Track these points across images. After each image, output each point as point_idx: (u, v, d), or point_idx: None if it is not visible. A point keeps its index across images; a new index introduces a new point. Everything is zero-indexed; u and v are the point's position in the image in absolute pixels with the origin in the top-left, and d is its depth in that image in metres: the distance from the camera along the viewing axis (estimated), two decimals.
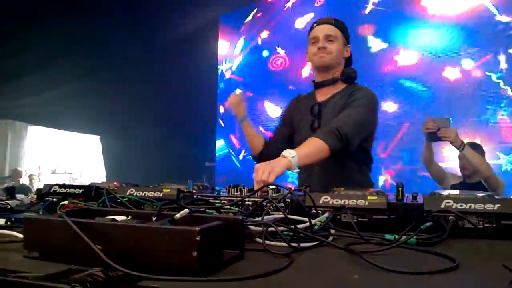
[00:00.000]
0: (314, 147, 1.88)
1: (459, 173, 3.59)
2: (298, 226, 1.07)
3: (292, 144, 2.25)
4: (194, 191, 1.55)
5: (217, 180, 6.91)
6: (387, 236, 1.08)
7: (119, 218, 0.91)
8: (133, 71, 6.84)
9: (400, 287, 0.74)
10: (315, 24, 2.24)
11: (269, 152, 2.22)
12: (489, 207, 1.18)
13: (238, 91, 2.38)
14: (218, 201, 1.40)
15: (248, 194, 1.40)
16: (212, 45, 7.30)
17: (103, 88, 6.98)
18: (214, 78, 7.29)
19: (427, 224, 1.10)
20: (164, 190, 1.49)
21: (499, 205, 1.17)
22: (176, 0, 6.14)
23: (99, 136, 8.63)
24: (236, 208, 1.29)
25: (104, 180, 7.88)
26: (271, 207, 1.26)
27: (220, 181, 6.77)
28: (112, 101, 7.14)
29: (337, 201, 1.28)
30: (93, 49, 6.27)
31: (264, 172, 1.60)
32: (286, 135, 2.36)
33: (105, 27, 6.01)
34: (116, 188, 1.62)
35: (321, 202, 1.29)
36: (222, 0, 6.67)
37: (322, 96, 2.25)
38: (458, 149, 3.12)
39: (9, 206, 1.61)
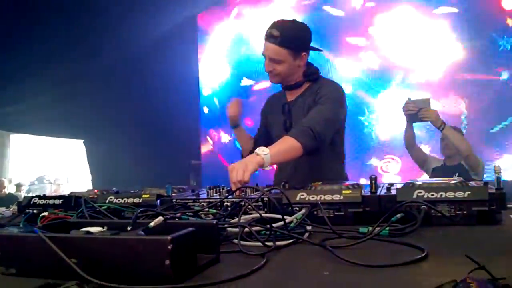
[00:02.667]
0: (286, 146, 1.91)
1: (440, 156, 3.65)
2: (275, 224, 1.09)
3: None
4: (173, 194, 1.56)
5: (204, 178, 6.91)
6: (361, 229, 1.11)
7: (94, 229, 0.92)
8: (112, 74, 6.80)
9: (367, 280, 0.77)
10: (265, 36, 2.09)
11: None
12: (459, 194, 1.21)
13: (234, 99, 2.41)
14: (197, 203, 1.41)
15: (226, 195, 1.42)
16: (191, 43, 7.28)
17: (84, 92, 6.92)
18: (195, 76, 7.28)
19: (398, 215, 1.12)
20: (143, 196, 1.50)
21: (469, 192, 1.20)
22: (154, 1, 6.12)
23: (82, 140, 8.55)
24: (214, 210, 1.30)
25: (91, 184, 7.77)
26: (249, 206, 1.28)
27: (207, 178, 6.76)
28: (93, 105, 7.08)
29: (313, 197, 1.30)
30: (72, 54, 6.20)
31: (238, 171, 1.62)
32: (264, 133, 2.42)
33: (82, 31, 5.95)
34: (96, 196, 1.62)
35: (297, 199, 1.31)
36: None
37: (291, 95, 2.30)
38: (438, 129, 3.18)
39: None
